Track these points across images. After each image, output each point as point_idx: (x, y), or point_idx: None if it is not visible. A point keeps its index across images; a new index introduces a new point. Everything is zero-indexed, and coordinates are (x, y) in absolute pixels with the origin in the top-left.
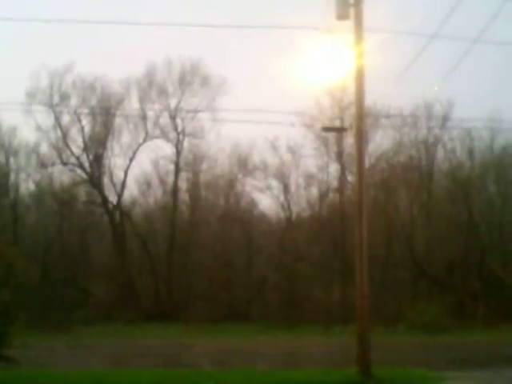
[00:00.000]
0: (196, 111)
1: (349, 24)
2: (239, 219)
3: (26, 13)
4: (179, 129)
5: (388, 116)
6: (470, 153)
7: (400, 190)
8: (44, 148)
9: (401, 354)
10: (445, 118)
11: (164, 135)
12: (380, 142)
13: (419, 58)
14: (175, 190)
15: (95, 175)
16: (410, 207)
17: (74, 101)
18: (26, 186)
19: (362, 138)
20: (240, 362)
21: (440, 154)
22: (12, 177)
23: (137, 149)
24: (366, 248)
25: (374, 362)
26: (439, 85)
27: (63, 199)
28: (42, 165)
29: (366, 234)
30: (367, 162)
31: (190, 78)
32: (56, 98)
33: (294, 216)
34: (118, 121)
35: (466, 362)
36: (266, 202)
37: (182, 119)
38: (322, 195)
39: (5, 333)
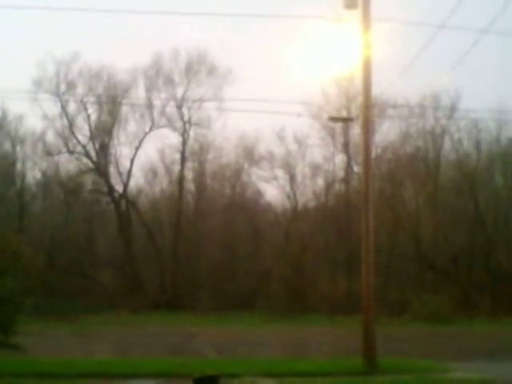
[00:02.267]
0: (202, 101)
1: (356, 13)
2: (245, 209)
3: (33, 1)
4: (185, 118)
5: (395, 106)
6: (477, 144)
7: (406, 181)
8: (50, 136)
9: (406, 345)
10: (452, 109)
11: (170, 124)
12: (387, 132)
13: (427, 48)
14: (181, 180)
15: (101, 164)
16: (416, 198)
17: (80, 89)
18: (33, 174)
19: (368, 129)
20: (245, 352)
21: (447, 144)
22: (18, 165)
23: (143, 138)
24: (372, 239)
25: (379, 353)
26: (448, 75)
27: (69, 188)
28: (49, 153)
29: (372, 225)
30: (373, 153)
31: (197, 67)
32: (63, 87)
33: (299, 206)
34: (124, 109)
35: (472, 353)
36: (272, 192)
37: (189, 108)
38: (328, 186)
39: (11, 320)
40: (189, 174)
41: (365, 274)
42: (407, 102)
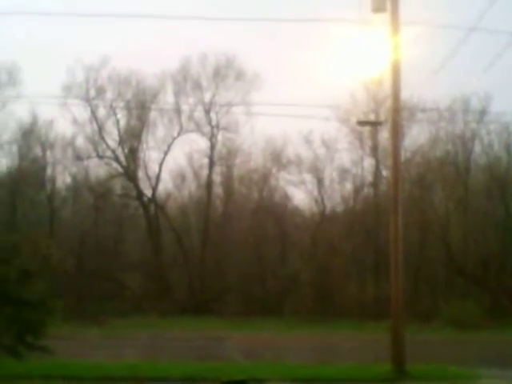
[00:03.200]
0: (230, 105)
1: (385, 17)
2: (273, 213)
3: (62, 7)
4: (213, 123)
5: (424, 110)
6: (508, 147)
7: (436, 185)
8: (80, 141)
9: (436, 351)
10: (482, 112)
11: (198, 129)
12: (416, 136)
13: (457, 51)
14: (209, 184)
15: (130, 168)
16: (446, 202)
17: (109, 94)
18: (63, 179)
19: (397, 133)
20: (272, 357)
21: (477, 148)
22: (48, 170)
23: (171, 142)
24: (400, 243)
25: (408, 359)
26: (478, 78)
27: (99, 192)
28: (78, 158)
29: (401, 229)
30: (402, 157)
31: (225, 72)
32: (92, 92)
33: (327, 210)
34: (153, 114)
35: (503, 361)
36: (300, 196)
37: (217, 113)
38: (357, 190)
39: (41, 322)
40: (217, 179)
41: (394, 278)
42: (437, 105)
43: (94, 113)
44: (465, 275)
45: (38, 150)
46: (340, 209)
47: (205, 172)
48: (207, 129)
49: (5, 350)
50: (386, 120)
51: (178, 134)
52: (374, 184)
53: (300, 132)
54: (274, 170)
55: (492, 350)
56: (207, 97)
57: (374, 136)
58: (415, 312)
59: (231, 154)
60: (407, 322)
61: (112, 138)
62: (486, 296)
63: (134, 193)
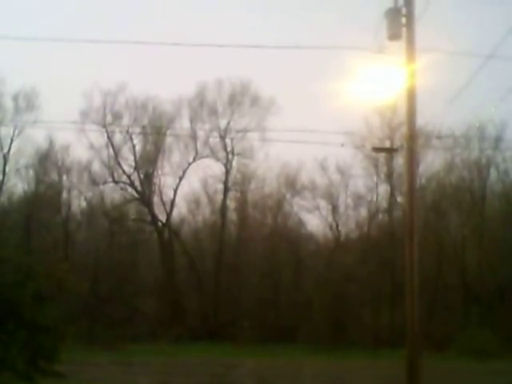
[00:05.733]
0: (245, 131)
1: (400, 44)
2: (287, 239)
3: (79, 33)
4: (228, 148)
5: (439, 137)
6: None
7: (451, 212)
8: (96, 166)
9: (451, 381)
10: (498, 139)
11: (213, 155)
12: (431, 162)
13: (474, 79)
14: (223, 209)
15: (145, 193)
16: (462, 229)
17: (126, 120)
18: (78, 203)
19: (412, 159)
20: None
21: (493, 175)
22: (64, 194)
23: (186, 168)
24: (416, 270)
25: None
26: (495, 106)
27: (114, 217)
28: (94, 183)
29: (417, 256)
30: (418, 183)
31: (240, 98)
32: (109, 118)
33: (342, 237)
34: (168, 140)
35: None
36: (314, 222)
37: (232, 139)
38: (371, 216)
39: (54, 348)
40: (231, 204)
41: (409, 306)
42: (452, 132)
43: (110, 138)
44: (480, 303)
45: (54, 175)
46: (354, 235)
47: (219, 197)
48: (222, 154)
49: (17, 374)
50: (400, 146)
51: (193, 160)
52: (389, 210)
53: (315, 158)
54: (288, 196)
55: (506, 380)
56: (223, 123)
57: (389, 162)
58: (430, 339)
59: (246, 179)
60: (422, 350)
61: (128, 163)
62: (501, 324)
63: (148, 218)
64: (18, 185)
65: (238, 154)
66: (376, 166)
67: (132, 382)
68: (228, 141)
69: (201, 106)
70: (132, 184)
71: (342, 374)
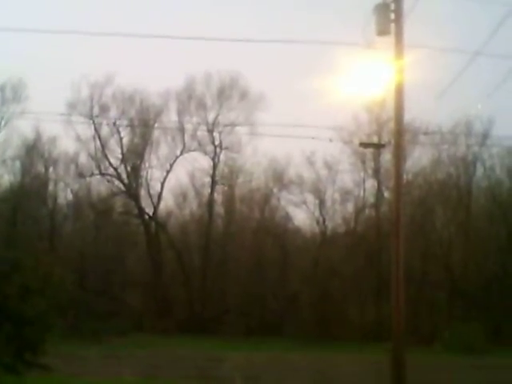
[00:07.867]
0: (233, 125)
1: (389, 40)
2: (273, 233)
3: (67, 25)
4: (216, 142)
5: (427, 133)
6: (510, 171)
7: (437, 208)
8: (83, 158)
9: (436, 376)
10: (484, 136)
11: (201, 148)
12: (418, 158)
13: (461, 75)
14: (211, 203)
15: (132, 186)
16: (448, 225)
17: (113, 112)
18: (64, 195)
19: (400, 155)
20: (272, 379)
21: (479, 171)
22: (50, 186)
23: (174, 161)
24: (402, 265)
25: (409, 383)
26: (482, 102)
27: (100, 209)
28: (81, 175)
29: (403, 252)
30: (404, 179)
31: (229, 92)
32: (96, 110)
33: (328, 231)
34: (156, 133)
35: None
36: (301, 216)
37: (220, 133)
38: (358, 211)
39: (40, 340)
40: (218, 198)
41: (395, 301)
42: (439, 128)
43: (97, 130)
44: (466, 298)
45: (40, 167)
46: (341, 230)
47: (206, 191)
48: (210, 148)
49: (4, 367)
50: (388, 142)
51: (181, 153)
52: (376, 205)
53: (302, 153)
54: (275, 190)
55: (494, 374)
56: (211, 116)
57: (377, 158)
58: (416, 335)
59: (233, 173)
60: (408, 346)
61: (115, 155)
62: (487, 319)
63: (135, 211)
64: (5, 176)
65: (226, 148)
66: (363, 162)
67: (117, 373)
68: (216, 134)
69: (189, 99)
70: (119, 177)
71: (327, 368)
